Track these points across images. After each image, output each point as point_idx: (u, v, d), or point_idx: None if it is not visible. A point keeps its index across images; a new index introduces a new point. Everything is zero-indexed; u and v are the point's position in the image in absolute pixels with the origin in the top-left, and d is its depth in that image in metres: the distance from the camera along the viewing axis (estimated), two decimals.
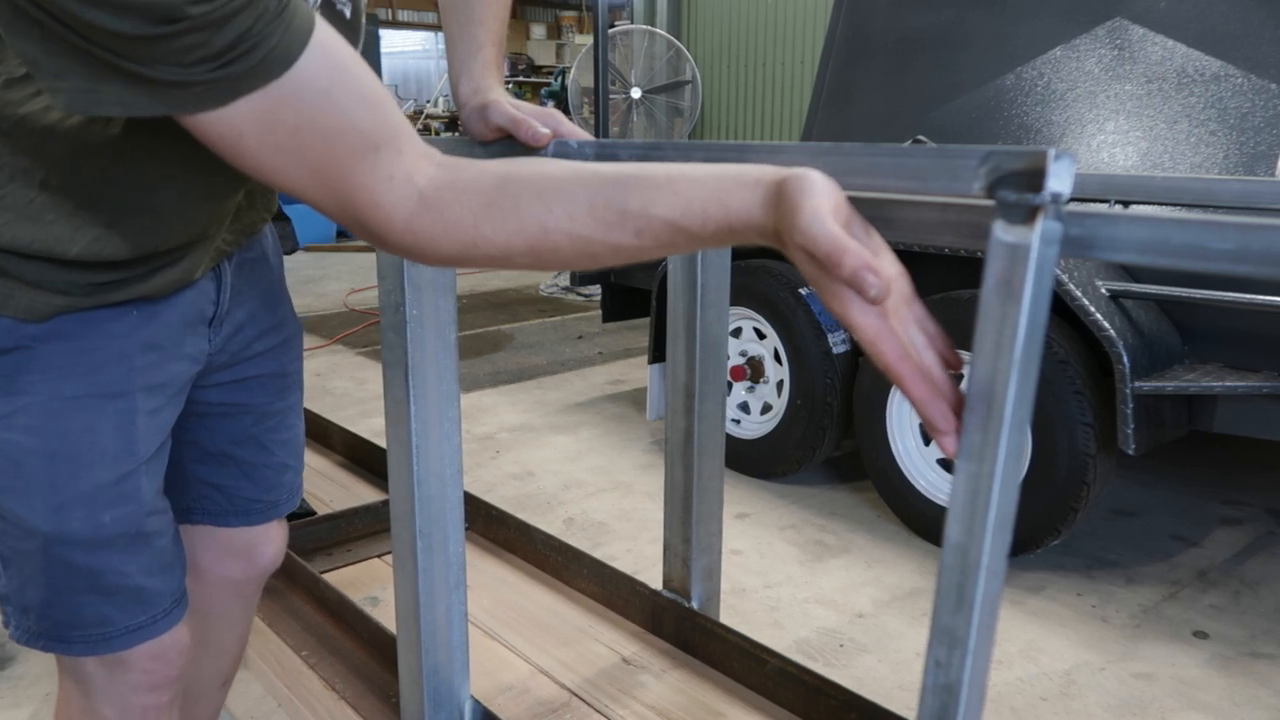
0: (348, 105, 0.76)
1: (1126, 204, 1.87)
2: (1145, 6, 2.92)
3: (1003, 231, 0.61)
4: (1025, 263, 0.60)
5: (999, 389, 0.61)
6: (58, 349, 0.99)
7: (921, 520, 2.90)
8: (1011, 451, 0.62)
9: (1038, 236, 0.59)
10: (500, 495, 3.26)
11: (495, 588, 2.26)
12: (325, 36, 0.75)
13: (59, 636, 1.06)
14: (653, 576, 2.04)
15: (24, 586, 1.04)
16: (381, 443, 2.84)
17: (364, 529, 2.57)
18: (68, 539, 1.01)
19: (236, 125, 0.73)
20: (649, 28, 8.67)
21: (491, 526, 2.51)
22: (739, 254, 3.16)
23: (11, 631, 1.07)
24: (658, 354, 3.56)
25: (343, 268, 7.98)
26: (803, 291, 3.14)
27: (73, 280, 0.96)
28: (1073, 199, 0.60)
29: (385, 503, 2.49)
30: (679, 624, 1.96)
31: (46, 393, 0.99)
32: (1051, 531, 2.60)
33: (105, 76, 0.69)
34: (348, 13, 1.00)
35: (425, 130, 12.46)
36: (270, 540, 1.39)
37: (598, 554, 2.27)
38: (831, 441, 3.18)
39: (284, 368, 1.30)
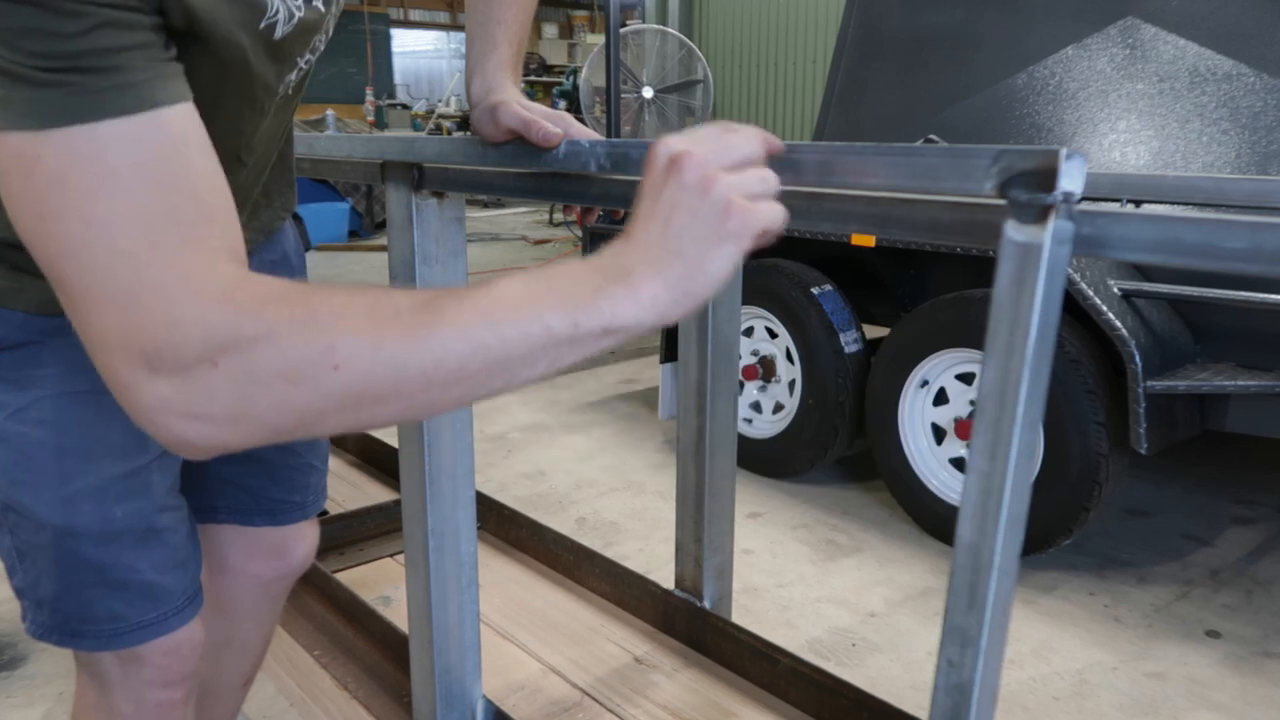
0: (189, 177, 0.69)
1: (1138, 203, 1.87)
2: (1157, 6, 2.91)
3: (1015, 231, 0.61)
4: (1037, 262, 0.60)
5: (1011, 388, 0.61)
6: (69, 344, 0.99)
7: (934, 520, 2.90)
8: (1023, 451, 0.62)
9: (1049, 236, 0.59)
10: (512, 495, 3.26)
11: (507, 587, 2.27)
12: (194, 120, 0.71)
13: (71, 631, 1.07)
14: (665, 576, 2.04)
15: (38, 581, 1.05)
16: (393, 442, 2.85)
17: (376, 528, 2.57)
18: (78, 532, 1.02)
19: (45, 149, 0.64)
20: (661, 27, 8.67)
21: (503, 526, 2.51)
22: (751, 253, 3.16)
23: (27, 626, 1.08)
24: (670, 353, 3.56)
25: (355, 267, 7.99)
26: (815, 291, 3.14)
27: None
28: (1084, 198, 0.60)
29: (397, 502, 2.50)
30: (691, 623, 1.97)
31: (58, 387, 1.00)
32: (1063, 531, 2.59)
33: None
34: (322, 5, 0.97)
35: (437, 130, 12.48)
36: (302, 540, 1.40)
37: (610, 553, 2.27)
38: (843, 441, 3.18)
39: None
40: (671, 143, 0.69)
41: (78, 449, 1.01)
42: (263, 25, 0.85)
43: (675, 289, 0.67)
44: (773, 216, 0.69)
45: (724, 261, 0.67)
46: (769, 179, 0.71)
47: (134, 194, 0.65)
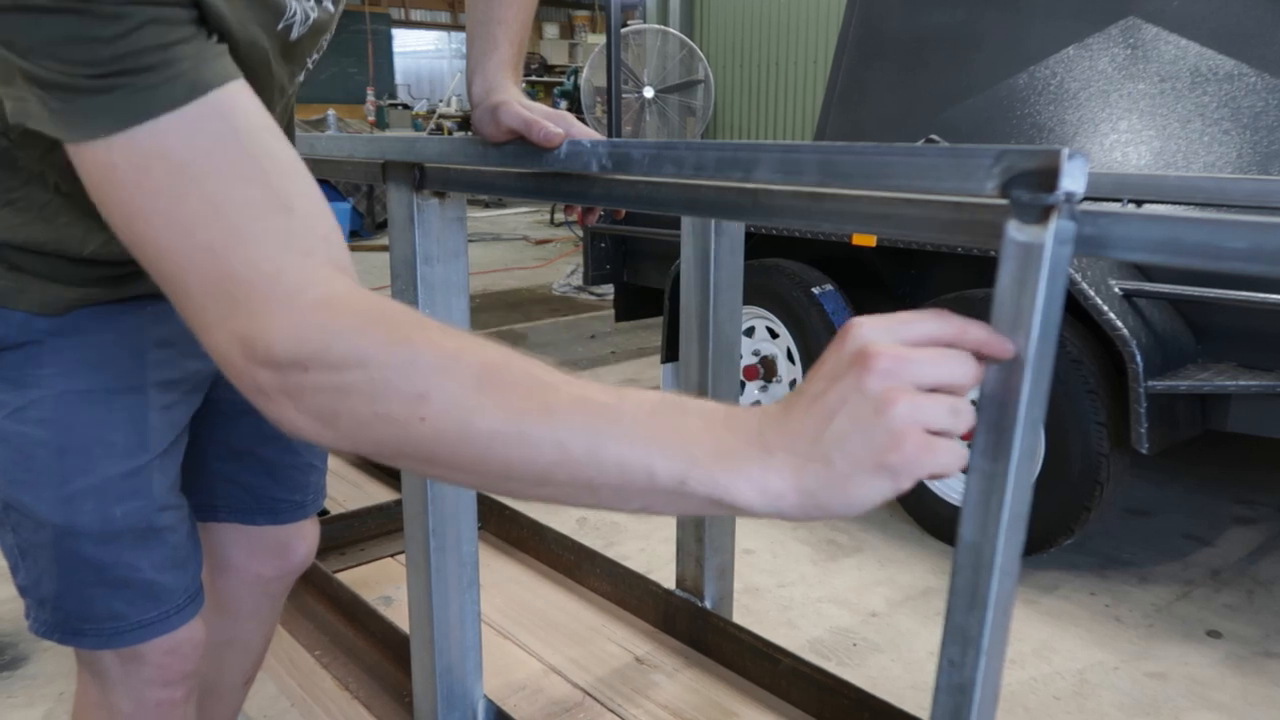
0: (251, 161, 0.68)
1: (1140, 203, 1.87)
2: (1158, 5, 2.91)
3: (1016, 231, 0.61)
4: (1039, 262, 0.60)
5: (1012, 388, 0.61)
6: (70, 344, 1.00)
7: (935, 520, 2.90)
8: (1025, 451, 0.62)
9: (1051, 236, 0.59)
10: None
11: (508, 587, 2.27)
12: (248, 94, 0.70)
13: (72, 629, 1.08)
14: (666, 576, 2.04)
15: (39, 579, 1.05)
16: None
17: (377, 528, 2.57)
18: (77, 531, 1.02)
19: (113, 154, 0.65)
20: (662, 27, 8.68)
21: (504, 526, 2.51)
22: (751, 253, 3.17)
23: (30, 624, 1.09)
24: (671, 353, 3.56)
25: (356, 268, 7.98)
26: (816, 291, 3.13)
27: (86, 274, 0.97)
28: (1086, 198, 0.60)
29: (398, 502, 2.50)
30: (692, 623, 1.96)
31: (58, 387, 1.00)
32: (1065, 531, 2.59)
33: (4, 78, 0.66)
34: (331, 5, 0.98)
35: (438, 130, 12.47)
36: (303, 538, 1.40)
37: (611, 553, 2.27)
38: None
39: None
40: (869, 331, 0.59)
41: (78, 448, 1.01)
42: (280, 26, 0.86)
43: (805, 494, 0.58)
44: (949, 462, 0.57)
45: (870, 493, 0.57)
46: (964, 414, 0.59)
47: (208, 187, 0.66)
